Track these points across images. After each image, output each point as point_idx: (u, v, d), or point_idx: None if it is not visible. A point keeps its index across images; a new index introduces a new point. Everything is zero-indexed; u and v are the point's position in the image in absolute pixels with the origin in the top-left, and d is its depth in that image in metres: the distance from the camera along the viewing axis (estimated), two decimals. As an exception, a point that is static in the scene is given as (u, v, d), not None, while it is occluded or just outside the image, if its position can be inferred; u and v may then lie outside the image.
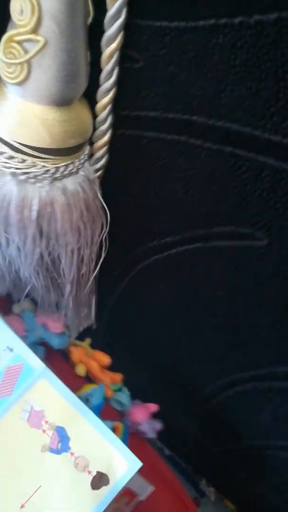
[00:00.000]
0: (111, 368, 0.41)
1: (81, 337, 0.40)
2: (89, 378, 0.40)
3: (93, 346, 0.41)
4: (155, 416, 0.41)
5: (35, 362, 0.31)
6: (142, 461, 0.39)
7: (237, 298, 0.31)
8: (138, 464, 0.30)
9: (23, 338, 0.37)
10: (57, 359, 0.41)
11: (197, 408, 0.41)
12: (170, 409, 0.43)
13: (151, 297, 0.36)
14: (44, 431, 0.30)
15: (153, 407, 0.39)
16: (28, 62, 0.23)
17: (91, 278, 0.34)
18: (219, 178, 0.27)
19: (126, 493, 0.31)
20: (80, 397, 0.36)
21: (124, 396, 0.39)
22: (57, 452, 0.30)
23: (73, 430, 0.30)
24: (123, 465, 0.30)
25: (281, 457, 0.38)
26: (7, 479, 0.29)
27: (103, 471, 0.30)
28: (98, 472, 0.30)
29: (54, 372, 0.37)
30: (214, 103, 0.24)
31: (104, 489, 0.29)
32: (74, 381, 0.39)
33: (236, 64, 0.22)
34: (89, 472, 0.30)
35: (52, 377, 0.31)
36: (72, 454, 0.30)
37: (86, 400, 0.35)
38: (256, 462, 0.41)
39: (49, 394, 0.31)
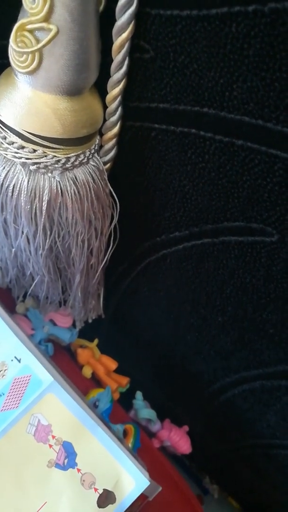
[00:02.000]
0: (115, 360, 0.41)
1: (85, 329, 0.40)
2: (95, 379, 0.40)
3: (97, 340, 0.41)
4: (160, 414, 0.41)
5: (44, 374, 0.31)
6: (149, 460, 0.39)
7: (246, 295, 0.31)
8: (145, 482, 0.30)
9: (31, 336, 0.37)
10: (64, 357, 0.41)
11: (202, 405, 0.40)
12: (174, 405, 0.43)
13: (158, 292, 0.36)
14: (50, 446, 0.30)
15: (185, 428, 0.40)
16: (40, 51, 0.23)
17: (100, 269, 0.34)
18: (230, 171, 0.26)
19: (140, 498, 0.30)
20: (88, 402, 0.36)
21: (152, 414, 0.39)
22: (64, 468, 0.30)
23: (80, 446, 0.30)
24: (130, 483, 0.30)
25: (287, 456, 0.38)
26: (13, 494, 0.29)
27: (110, 488, 0.29)
28: (104, 490, 0.29)
29: (61, 370, 0.37)
30: (225, 95, 0.24)
31: (110, 507, 0.29)
32: (80, 381, 0.39)
33: (250, 54, 0.22)
34: (96, 490, 0.29)
35: (60, 391, 0.30)
36: (78, 470, 0.30)
37: (94, 405, 0.35)
38: (262, 461, 0.41)
39: (57, 408, 0.30)
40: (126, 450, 0.31)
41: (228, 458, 0.44)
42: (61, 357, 0.40)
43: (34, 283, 0.34)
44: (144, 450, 0.39)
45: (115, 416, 0.39)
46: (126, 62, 0.25)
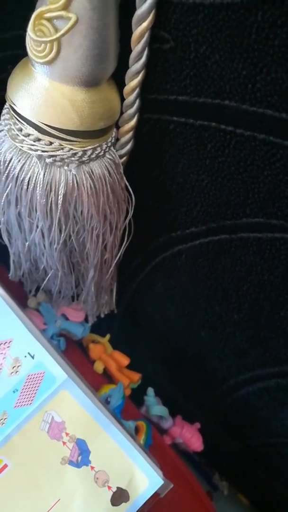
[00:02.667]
0: (128, 356, 0.41)
1: (97, 324, 0.40)
2: (107, 374, 0.40)
3: (109, 335, 0.41)
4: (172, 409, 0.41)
5: (57, 371, 0.30)
6: (160, 457, 0.39)
7: (263, 292, 0.30)
8: (159, 481, 0.29)
9: (43, 331, 0.37)
10: (75, 351, 0.40)
11: (215, 402, 0.40)
12: (186, 402, 0.42)
13: (172, 288, 0.35)
14: (64, 443, 0.30)
15: (197, 425, 0.39)
16: (58, 40, 0.23)
17: (114, 264, 0.34)
18: (250, 166, 0.26)
19: (152, 495, 0.30)
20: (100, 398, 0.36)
21: (164, 411, 0.39)
22: (77, 465, 0.29)
23: (94, 444, 0.30)
24: (144, 482, 0.29)
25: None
26: (26, 490, 0.29)
27: (124, 487, 0.29)
28: (118, 488, 0.29)
29: (73, 365, 0.37)
30: (248, 87, 0.23)
31: (123, 506, 0.29)
32: (92, 376, 0.39)
33: (275, 44, 0.21)
34: (109, 488, 0.29)
35: (74, 388, 0.30)
36: (92, 468, 0.29)
37: (106, 401, 0.35)
38: (274, 459, 0.40)
39: (71, 405, 0.30)
40: (139, 448, 0.30)
41: (239, 456, 0.44)
42: (73, 352, 0.40)
43: (47, 278, 0.34)
44: (155, 447, 0.39)
45: (126, 412, 0.38)
46: (145, 53, 0.25)
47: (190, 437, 0.38)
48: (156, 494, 0.31)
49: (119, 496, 0.29)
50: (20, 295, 0.39)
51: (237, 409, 0.38)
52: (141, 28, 0.24)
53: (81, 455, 0.30)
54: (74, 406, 0.30)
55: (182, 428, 0.38)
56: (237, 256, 0.30)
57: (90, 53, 0.23)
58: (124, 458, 0.30)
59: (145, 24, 0.24)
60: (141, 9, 0.23)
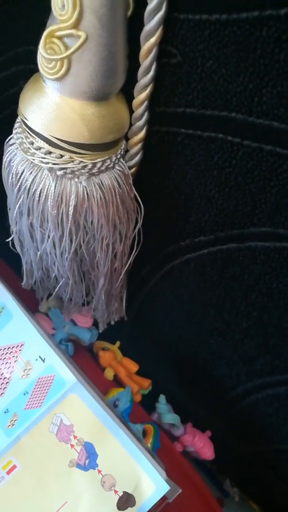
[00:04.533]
0: (138, 364, 0.41)
1: (107, 331, 0.40)
2: (117, 379, 0.40)
3: (119, 342, 0.41)
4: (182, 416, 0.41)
5: (67, 375, 0.31)
6: (169, 461, 0.39)
7: (272, 300, 0.30)
8: (165, 487, 0.30)
9: (52, 336, 0.38)
10: (85, 357, 0.41)
11: (225, 408, 0.40)
12: (196, 407, 0.43)
13: (181, 296, 0.35)
14: (72, 446, 0.30)
15: (208, 433, 0.39)
16: (69, 57, 0.23)
17: (123, 272, 0.34)
18: (257, 177, 0.26)
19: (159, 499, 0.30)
20: (108, 401, 0.36)
21: (176, 419, 0.39)
22: (84, 468, 0.30)
23: (101, 447, 0.30)
24: (150, 487, 0.30)
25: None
26: (34, 492, 0.29)
27: (130, 491, 0.29)
28: (125, 492, 0.29)
29: (81, 369, 0.37)
30: (254, 100, 0.23)
31: (129, 510, 0.29)
32: (100, 381, 0.40)
33: (280, 59, 0.21)
34: (116, 492, 0.29)
35: (83, 391, 0.31)
36: (99, 471, 0.30)
37: (114, 404, 0.35)
38: (286, 466, 0.40)
39: (79, 409, 0.31)
40: (147, 453, 0.31)
41: (250, 462, 0.44)
42: (82, 357, 0.40)
43: (58, 286, 0.35)
44: (164, 451, 0.39)
45: (134, 416, 0.39)
46: (153, 67, 0.25)
47: (202, 446, 0.38)
48: (163, 499, 0.31)
49: (125, 501, 0.29)
50: (31, 302, 0.40)
51: (247, 415, 0.38)
52: (149, 43, 0.24)
53: (89, 458, 0.30)
54: (83, 409, 0.31)
55: (194, 437, 0.38)
56: (245, 265, 0.30)
57: (100, 69, 0.24)
58: (131, 463, 0.30)
59: (153, 40, 0.24)
60: (149, 25, 0.24)
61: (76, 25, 0.22)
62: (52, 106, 0.25)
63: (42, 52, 0.23)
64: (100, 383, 0.39)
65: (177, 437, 0.41)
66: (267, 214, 0.27)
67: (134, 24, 0.24)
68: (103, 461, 0.30)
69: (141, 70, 0.26)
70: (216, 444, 0.41)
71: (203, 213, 0.30)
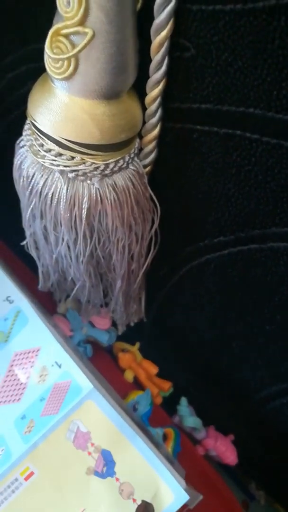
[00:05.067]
0: (158, 366, 0.40)
1: (128, 332, 0.40)
2: (137, 381, 0.40)
3: (138, 343, 0.41)
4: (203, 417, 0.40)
5: (84, 381, 0.30)
6: (191, 466, 0.38)
7: (295, 303, 0.29)
8: (184, 497, 0.29)
9: (70, 338, 0.37)
10: (104, 358, 0.40)
11: (247, 412, 0.39)
12: (218, 410, 0.42)
13: (201, 298, 0.34)
14: (89, 453, 0.30)
15: (231, 437, 0.39)
16: (76, 56, 0.22)
17: (141, 274, 0.33)
18: (278, 174, 0.24)
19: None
20: (127, 405, 0.36)
21: (198, 422, 0.38)
22: (102, 476, 0.29)
23: (119, 455, 0.30)
24: (169, 496, 0.29)
25: None
26: (52, 499, 0.29)
27: (149, 500, 0.29)
28: (143, 501, 0.28)
29: (101, 372, 0.37)
30: (273, 94, 0.22)
31: None
32: (120, 383, 0.39)
33: (300, 49, 0.20)
34: (134, 500, 0.29)
35: (99, 398, 0.30)
36: (117, 479, 0.29)
37: (133, 408, 0.35)
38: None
39: (96, 416, 0.30)
40: (165, 461, 0.30)
41: (276, 467, 0.43)
42: (101, 359, 0.40)
43: (75, 288, 0.34)
44: (185, 455, 0.38)
45: (155, 419, 0.38)
46: (165, 62, 0.24)
47: (224, 450, 0.37)
48: (184, 505, 0.31)
49: (144, 510, 0.28)
50: (49, 304, 0.39)
51: (271, 420, 0.37)
52: (160, 37, 0.23)
53: (106, 466, 0.30)
54: (100, 416, 0.30)
55: (216, 441, 0.37)
56: (268, 266, 0.29)
57: (108, 67, 0.23)
58: (149, 471, 0.29)
59: (164, 33, 0.23)
60: (159, 18, 0.23)
61: (82, 22, 0.21)
62: (61, 106, 0.24)
63: (48, 52, 0.22)
64: (119, 385, 0.39)
65: (199, 440, 0.40)
66: (290, 213, 0.26)
67: (144, 18, 0.23)
68: (121, 469, 0.29)
69: (152, 65, 0.24)
70: (240, 448, 0.40)
71: (222, 213, 0.29)
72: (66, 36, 0.22)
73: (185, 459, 0.38)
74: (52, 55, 0.22)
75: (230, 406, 0.40)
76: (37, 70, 0.26)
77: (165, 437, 0.38)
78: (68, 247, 0.30)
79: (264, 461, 0.43)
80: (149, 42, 0.23)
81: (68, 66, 0.23)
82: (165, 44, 0.23)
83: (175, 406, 0.41)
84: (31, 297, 0.37)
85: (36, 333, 0.32)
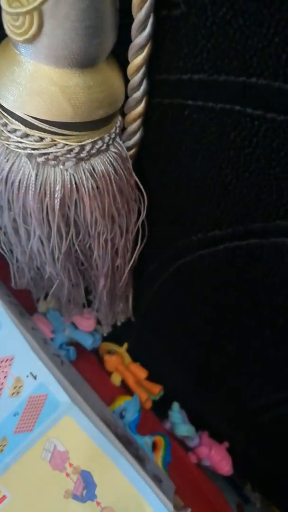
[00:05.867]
0: (149, 368, 0.38)
1: (114, 332, 0.37)
2: (124, 384, 0.37)
3: (127, 344, 0.38)
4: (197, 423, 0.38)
5: (61, 395, 0.28)
6: (181, 475, 0.36)
7: (301, 306, 0.26)
8: None
9: (51, 340, 0.34)
10: (89, 359, 0.37)
11: (244, 420, 0.36)
12: (213, 416, 0.39)
13: (193, 297, 0.31)
14: (67, 474, 0.27)
15: (226, 445, 0.36)
16: (39, 10, 0.18)
17: (127, 270, 0.30)
18: (285, 158, 0.21)
19: None
20: (114, 412, 0.33)
21: (191, 430, 0.36)
22: (82, 500, 0.27)
23: (100, 476, 0.27)
24: None
25: None
26: None
27: None
28: None
29: (85, 375, 0.34)
30: (282, 58, 0.18)
31: None
32: (107, 387, 0.36)
33: None
34: None
35: (78, 414, 0.27)
36: (98, 503, 0.27)
37: (120, 415, 0.32)
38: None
39: (75, 433, 0.27)
40: (151, 482, 0.27)
41: (273, 473, 0.40)
42: (86, 361, 0.37)
43: (53, 288, 0.30)
44: (176, 464, 0.36)
45: (144, 425, 0.36)
46: (150, 22, 0.20)
47: (219, 460, 0.34)
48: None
49: None
50: (28, 301, 0.36)
51: (269, 428, 0.34)
52: (143, -11, 0.19)
53: (86, 488, 0.27)
54: (79, 434, 0.27)
55: (211, 449, 0.35)
56: (269, 264, 0.25)
57: (80, 26, 0.19)
58: (134, 494, 0.27)
59: (148, -15, 0.19)
60: None
61: None
62: (26, 77, 0.21)
63: (4, 6, 0.18)
64: (106, 389, 0.36)
65: (191, 447, 0.37)
66: (297, 204, 0.22)
67: None
68: (102, 491, 0.27)
69: (135, 26, 0.21)
70: (236, 455, 0.37)
71: (217, 203, 0.25)
72: (26, -15, 0.18)
73: (176, 468, 0.36)
74: (10, 9, 0.18)
75: (225, 412, 0.37)
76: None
77: (154, 446, 0.35)
78: (41, 242, 0.27)
79: (261, 468, 0.40)
80: (130, -3, 0.20)
81: (30, 24, 0.19)
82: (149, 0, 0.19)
83: (166, 410, 0.39)
84: (8, 297, 0.33)
85: (9, 340, 0.29)
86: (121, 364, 0.37)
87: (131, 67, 0.22)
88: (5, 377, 0.29)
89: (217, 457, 0.35)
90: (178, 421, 0.36)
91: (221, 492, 0.41)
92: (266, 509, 0.49)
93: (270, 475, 0.43)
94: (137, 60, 0.22)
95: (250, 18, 0.18)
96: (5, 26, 0.19)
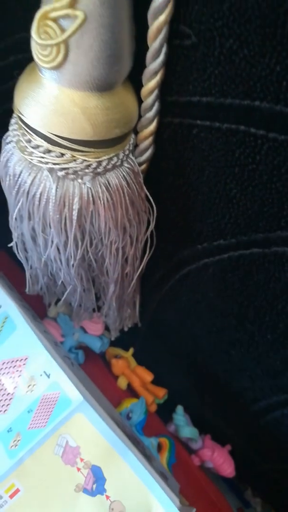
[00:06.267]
0: (154, 372, 0.39)
1: (121, 337, 0.38)
2: (131, 388, 0.38)
3: (132, 349, 0.39)
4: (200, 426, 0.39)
5: (73, 393, 0.29)
6: (185, 476, 0.37)
7: (300, 311, 0.27)
8: None
9: (61, 343, 0.35)
10: (97, 364, 0.39)
11: (246, 422, 0.37)
12: (216, 419, 0.40)
13: (199, 303, 0.32)
14: (78, 469, 0.28)
15: (228, 447, 0.37)
16: (66, 42, 0.20)
17: (135, 277, 0.32)
18: (285, 174, 0.23)
19: None
20: (120, 413, 0.34)
21: (194, 433, 0.37)
22: (92, 494, 0.28)
23: (110, 471, 0.28)
24: None
25: None
26: None
27: None
28: None
29: (93, 379, 0.35)
30: (283, 85, 0.20)
31: None
32: (114, 390, 0.37)
33: (314, 35, 0.18)
34: None
35: (90, 411, 0.28)
36: (107, 497, 0.28)
37: (127, 417, 0.33)
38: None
39: (86, 430, 0.28)
40: (159, 478, 0.28)
41: (274, 476, 0.41)
42: (94, 365, 0.38)
43: (66, 293, 0.32)
44: (180, 466, 0.37)
45: (150, 427, 0.37)
46: (163, 50, 0.22)
47: (222, 462, 0.35)
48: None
49: None
50: (39, 306, 0.37)
51: (271, 431, 0.36)
52: (158, 22, 0.21)
53: (96, 483, 0.28)
54: (90, 430, 0.28)
55: (213, 452, 0.36)
56: (271, 272, 0.27)
57: (102, 55, 0.21)
58: (142, 488, 0.28)
59: (162, 18, 0.21)
60: (157, 1, 0.21)
61: (72, 4, 0.19)
62: (50, 99, 0.22)
63: (35, 37, 0.20)
64: (112, 393, 0.37)
65: (195, 450, 0.38)
66: (297, 216, 0.24)
67: (141, 1, 0.21)
68: (111, 486, 0.28)
69: (149, 53, 0.22)
70: (237, 458, 0.38)
71: (222, 215, 0.27)
72: (55, 20, 0.20)
73: (180, 470, 0.37)
74: (39, 40, 0.20)
75: (227, 415, 0.38)
76: (26, 60, 0.24)
77: (159, 447, 0.36)
78: (58, 250, 0.28)
79: (262, 472, 0.41)
80: (146, 28, 0.21)
81: (57, 53, 0.21)
82: (164, 30, 0.21)
83: (170, 413, 0.40)
84: (20, 301, 0.35)
85: (24, 341, 0.30)
86: (127, 368, 0.38)
87: (145, 90, 0.24)
88: (19, 376, 0.30)
89: (220, 460, 0.36)
90: (182, 423, 0.37)
91: (223, 494, 0.41)
92: (266, 514, 0.49)
93: (270, 479, 0.43)
94: (150, 83, 0.23)
95: (255, 49, 0.20)
96: (34, 54, 0.21)
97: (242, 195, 0.25)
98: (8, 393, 0.30)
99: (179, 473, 0.36)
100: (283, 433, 0.35)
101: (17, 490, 0.28)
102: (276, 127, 0.21)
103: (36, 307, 0.37)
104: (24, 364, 0.30)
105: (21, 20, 0.26)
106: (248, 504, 0.49)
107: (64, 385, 0.29)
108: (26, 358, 0.30)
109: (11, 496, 0.28)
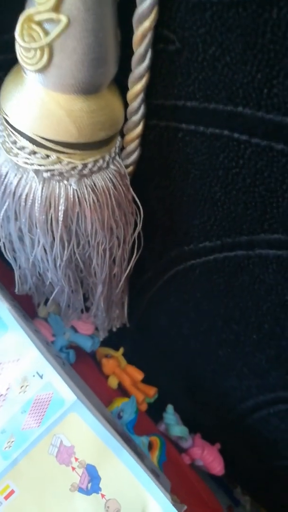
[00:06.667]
0: (144, 372, 0.39)
1: (110, 338, 0.38)
2: (121, 388, 0.38)
3: (122, 348, 0.39)
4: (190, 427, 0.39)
5: (66, 393, 0.29)
6: (176, 475, 0.37)
7: (284, 312, 0.28)
8: (173, 511, 0.27)
9: (52, 343, 0.36)
10: (87, 363, 0.39)
11: (234, 421, 0.38)
12: (205, 417, 0.40)
13: (186, 304, 0.33)
14: (73, 468, 0.28)
15: (217, 446, 0.38)
16: (50, 45, 0.20)
17: (123, 278, 0.32)
18: (268, 178, 0.23)
19: None
20: (112, 413, 0.34)
21: (184, 431, 0.37)
22: (87, 492, 0.28)
23: (104, 470, 0.28)
24: (157, 511, 0.27)
25: None
26: None
27: None
28: None
29: (84, 378, 0.35)
30: (264, 92, 0.20)
31: None
32: (104, 389, 0.37)
33: (293, 44, 0.18)
34: None
35: (83, 410, 0.29)
36: (103, 496, 0.28)
37: (118, 416, 0.33)
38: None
39: (80, 429, 0.28)
40: (152, 475, 0.28)
41: (262, 474, 0.42)
42: (84, 365, 0.38)
43: (54, 293, 0.32)
44: (170, 464, 0.37)
45: (140, 426, 0.37)
46: (148, 55, 0.22)
47: (211, 460, 0.36)
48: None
49: None
50: (29, 306, 0.38)
51: (258, 429, 0.36)
52: (143, 27, 0.21)
53: (91, 481, 0.28)
54: (84, 429, 0.29)
55: (203, 450, 0.36)
56: (255, 274, 0.27)
57: (86, 58, 0.21)
58: (136, 486, 0.28)
59: (147, 23, 0.21)
60: (142, 7, 0.21)
61: (56, 7, 0.20)
62: (36, 101, 0.23)
63: (19, 40, 0.20)
64: (103, 392, 0.37)
65: (185, 448, 0.39)
66: (279, 219, 0.24)
67: (126, 6, 0.21)
68: (106, 484, 0.28)
69: (135, 58, 0.23)
70: (226, 455, 0.38)
71: (208, 217, 0.27)
72: (39, 23, 0.20)
73: (171, 468, 0.37)
74: (23, 43, 0.20)
75: (215, 414, 0.39)
76: (11, 62, 0.24)
77: (150, 446, 0.36)
78: (45, 250, 0.28)
79: (250, 470, 0.42)
80: (131, 33, 0.22)
81: (41, 56, 0.21)
82: (148, 36, 0.22)
83: (161, 412, 0.40)
84: (12, 301, 0.35)
85: (16, 342, 0.31)
86: (117, 368, 0.39)
87: (130, 94, 0.24)
88: (12, 377, 0.30)
89: (210, 458, 0.36)
90: (172, 422, 0.38)
91: (213, 493, 0.42)
92: (256, 511, 0.50)
93: (258, 477, 0.44)
94: (136, 87, 0.24)
95: (236, 56, 0.20)
96: (18, 56, 0.22)
97: (226, 198, 0.25)
98: (1, 395, 0.30)
99: (170, 472, 0.36)
100: (270, 432, 0.35)
101: (12, 492, 0.28)
102: (258, 132, 0.22)
103: (26, 308, 0.37)
104: (16, 365, 0.30)
105: (7, 22, 0.26)
106: (237, 502, 0.50)
107: (57, 385, 0.29)
108: (18, 359, 0.30)
109: (6, 498, 0.28)
